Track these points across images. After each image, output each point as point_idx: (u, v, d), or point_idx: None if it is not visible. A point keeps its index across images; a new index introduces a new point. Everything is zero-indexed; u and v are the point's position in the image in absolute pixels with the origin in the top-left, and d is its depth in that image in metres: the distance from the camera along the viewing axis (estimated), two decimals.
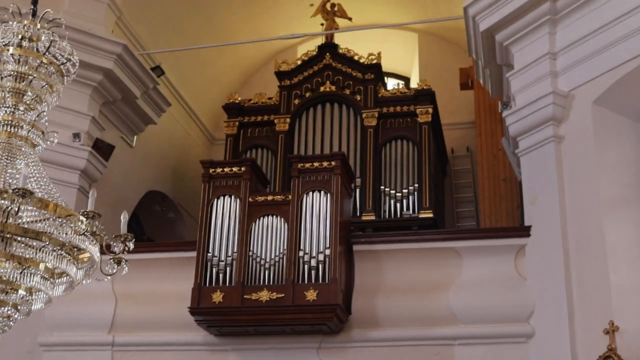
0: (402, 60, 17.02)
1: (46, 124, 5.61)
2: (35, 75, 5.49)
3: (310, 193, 9.81)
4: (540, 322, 9.01)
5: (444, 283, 9.61)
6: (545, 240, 9.13)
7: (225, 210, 10.00)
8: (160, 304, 10.23)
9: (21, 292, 5.30)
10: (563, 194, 9.08)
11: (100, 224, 5.41)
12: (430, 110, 13.36)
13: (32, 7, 5.80)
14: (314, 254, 9.47)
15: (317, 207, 9.72)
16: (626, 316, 8.25)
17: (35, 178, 5.30)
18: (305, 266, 9.45)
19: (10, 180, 5.21)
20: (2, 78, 5.47)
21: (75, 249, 5.29)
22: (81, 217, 5.19)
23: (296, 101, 13.96)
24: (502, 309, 9.30)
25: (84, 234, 5.17)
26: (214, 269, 9.71)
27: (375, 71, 13.84)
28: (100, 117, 11.86)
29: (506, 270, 9.44)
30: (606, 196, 8.79)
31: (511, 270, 9.42)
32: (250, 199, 9.97)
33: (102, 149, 11.52)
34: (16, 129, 5.44)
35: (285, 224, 9.73)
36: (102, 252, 5.47)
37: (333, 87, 13.90)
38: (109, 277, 5.64)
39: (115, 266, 5.54)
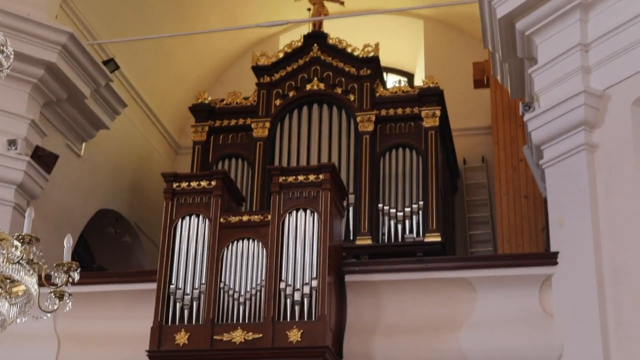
0: (404, 53, 17.05)
1: None
2: None
3: (294, 212, 9.78)
4: None
5: (455, 321, 9.59)
6: (576, 269, 9.11)
7: (192, 233, 9.96)
8: (113, 347, 10.16)
9: None
10: (597, 213, 9.07)
11: (39, 250, 5.37)
12: (438, 112, 13.38)
13: None
14: (298, 286, 9.42)
15: (302, 229, 9.68)
16: None
17: None
18: (288, 300, 9.40)
19: None
20: None
21: (8, 281, 5.24)
22: (15, 242, 5.14)
23: (277, 102, 13.96)
24: (524, 352, 9.28)
25: (18, 262, 5.12)
26: (177, 304, 9.66)
27: (372, 66, 13.85)
28: (42, 120, 11.81)
29: (529, 306, 9.42)
30: None
31: (535, 305, 9.41)
32: (221, 220, 9.94)
33: (44, 158, 11.47)
34: None
35: (264, 249, 9.70)
36: (40, 284, 5.42)
37: (322, 85, 13.91)
38: (49, 315, 5.59)
39: (57, 301, 5.50)
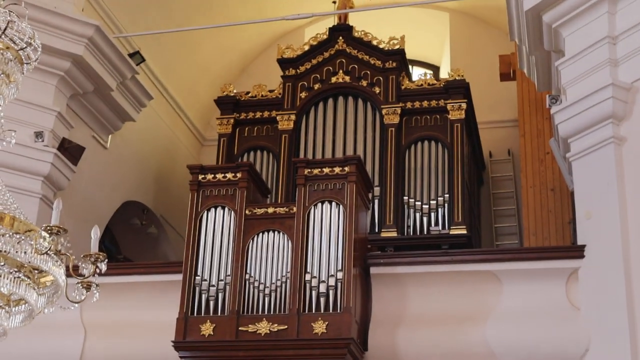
0: (430, 46, 16.98)
1: (2, 121, 5.58)
2: None
3: (319, 204, 9.78)
4: None
5: (480, 313, 9.57)
6: (603, 262, 9.07)
7: (218, 225, 9.97)
8: (139, 337, 10.21)
9: None
10: (625, 206, 9.02)
11: (66, 241, 5.38)
12: (464, 105, 13.34)
13: None
14: (323, 278, 9.42)
15: (328, 221, 9.68)
16: None
17: None
18: (313, 292, 9.41)
19: None
20: None
21: (36, 271, 5.27)
22: (43, 233, 5.16)
23: (303, 94, 13.96)
24: (550, 345, 9.24)
25: (46, 253, 5.14)
26: (203, 295, 9.68)
27: (397, 58, 13.82)
28: (68, 112, 11.86)
29: (555, 299, 9.38)
30: None
31: (561, 298, 9.37)
32: (247, 212, 9.95)
33: (70, 150, 11.52)
34: None
35: (289, 241, 9.70)
36: (68, 275, 5.44)
37: (347, 78, 13.90)
38: (77, 305, 5.62)
39: (84, 292, 5.53)
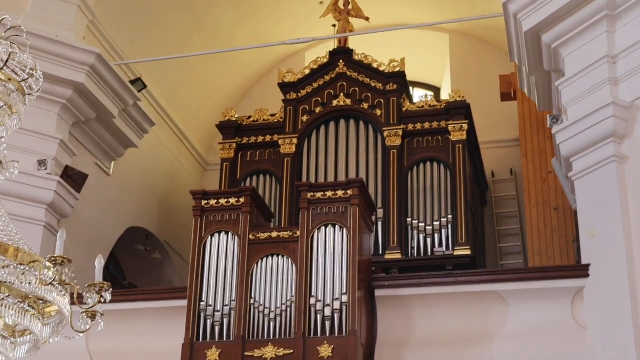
0: (430, 67, 17.01)
1: (5, 151, 5.58)
2: None
3: (323, 228, 9.78)
4: None
5: (486, 334, 9.54)
6: (608, 280, 9.05)
7: (222, 250, 9.97)
8: None
9: None
10: (628, 224, 9.01)
11: (70, 271, 5.37)
12: (465, 126, 13.34)
13: None
14: (328, 302, 9.41)
15: (331, 244, 9.67)
16: None
17: None
18: (318, 316, 9.40)
19: None
20: None
21: (41, 302, 5.25)
22: (47, 264, 5.14)
23: (304, 118, 13.97)
24: None
25: (51, 283, 5.12)
26: (208, 321, 9.67)
27: (398, 80, 13.84)
28: (71, 140, 11.87)
29: (561, 319, 9.36)
30: None
31: (567, 318, 9.35)
32: (251, 236, 9.94)
33: (73, 178, 11.53)
34: None
35: (294, 265, 9.69)
36: (72, 304, 5.43)
37: (348, 101, 13.91)
38: (82, 334, 5.60)
39: (89, 321, 5.50)
